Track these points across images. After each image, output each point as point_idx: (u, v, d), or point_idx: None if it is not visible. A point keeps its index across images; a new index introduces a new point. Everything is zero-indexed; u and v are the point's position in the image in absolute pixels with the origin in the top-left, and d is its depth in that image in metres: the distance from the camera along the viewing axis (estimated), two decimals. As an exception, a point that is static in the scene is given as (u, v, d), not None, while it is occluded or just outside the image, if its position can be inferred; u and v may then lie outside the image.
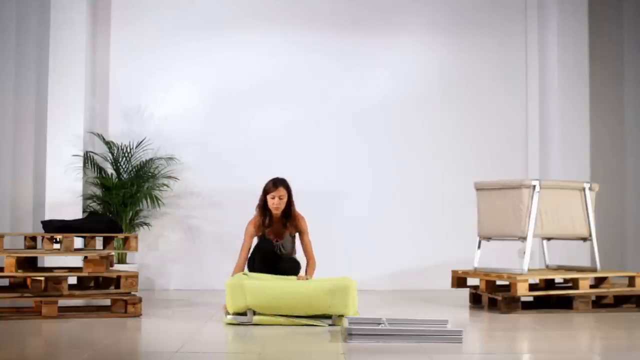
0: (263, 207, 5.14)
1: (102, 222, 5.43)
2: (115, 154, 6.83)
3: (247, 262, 5.11)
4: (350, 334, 3.92)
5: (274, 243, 5.12)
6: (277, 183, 5.11)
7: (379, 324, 4.13)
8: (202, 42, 7.23)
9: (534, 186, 5.38)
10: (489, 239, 5.72)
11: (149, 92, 7.16)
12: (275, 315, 4.54)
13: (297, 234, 5.25)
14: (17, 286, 5.16)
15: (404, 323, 4.22)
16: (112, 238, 5.30)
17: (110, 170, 6.89)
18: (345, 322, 4.17)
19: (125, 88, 7.13)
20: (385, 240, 7.16)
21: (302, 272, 5.12)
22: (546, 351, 3.82)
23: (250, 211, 7.12)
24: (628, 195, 7.55)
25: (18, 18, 6.96)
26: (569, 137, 7.13)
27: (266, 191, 5.13)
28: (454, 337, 3.92)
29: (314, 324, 4.50)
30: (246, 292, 4.52)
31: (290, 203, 5.15)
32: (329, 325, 4.49)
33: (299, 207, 7.11)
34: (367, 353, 3.67)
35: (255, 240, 5.19)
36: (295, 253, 5.28)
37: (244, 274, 4.89)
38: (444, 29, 7.44)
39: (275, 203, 5.09)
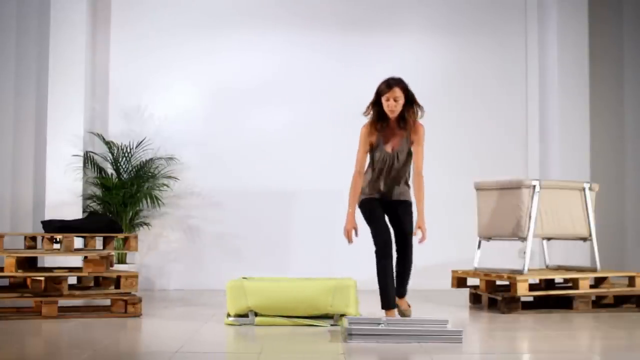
0: (377, 110, 4.55)
1: (102, 222, 5.43)
2: (115, 154, 6.83)
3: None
4: (350, 334, 3.93)
5: (390, 154, 4.57)
6: (392, 83, 4.52)
7: (379, 324, 4.13)
8: (202, 42, 7.23)
9: (534, 186, 5.38)
10: (489, 239, 5.72)
11: (149, 92, 7.16)
12: (276, 316, 4.54)
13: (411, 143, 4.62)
14: (17, 286, 5.17)
15: (404, 323, 4.22)
16: (112, 238, 5.30)
17: (110, 170, 6.89)
18: (345, 322, 4.17)
19: (125, 88, 7.13)
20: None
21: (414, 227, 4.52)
22: (546, 351, 3.82)
23: (250, 211, 7.16)
24: (628, 195, 7.55)
25: (18, 18, 6.95)
26: (569, 137, 7.13)
27: (379, 93, 4.54)
28: (454, 337, 3.92)
29: (316, 324, 4.50)
30: (247, 294, 4.52)
31: (408, 106, 4.52)
32: (331, 325, 4.49)
33: (300, 207, 7.16)
34: (367, 353, 3.67)
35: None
36: (409, 167, 4.65)
37: (244, 277, 4.87)
38: (444, 29, 7.44)
39: (390, 105, 4.48)
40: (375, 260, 4.57)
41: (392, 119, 4.57)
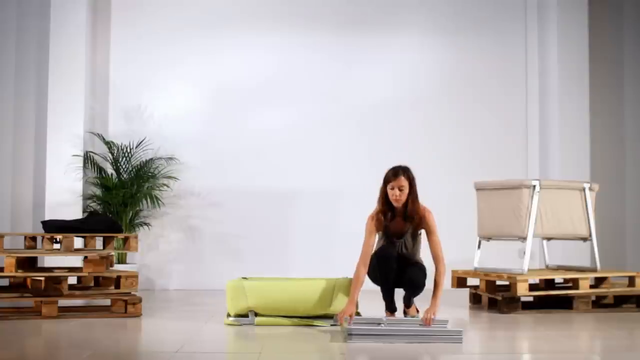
0: (384, 199, 4.51)
1: (102, 222, 5.42)
2: (115, 154, 6.83)
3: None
4: (350, 334, 3.93)
5: (395, 242, 4.54)
6: (398, 171, 4.48)
7: (379, 324, 4.13)
8: (202, 42, 7.23)
9: (534, 186, 5.38)
10: (489, 239, 5.72)
11: (149, 92, 7.16)
12: (276, 316, 4.53)
13: (422, 232, 4.59)
14: (17, 286, 5.17)
15: (404, 323, 4.22)
16: (112, 238, 5.29)
17: (110, 170, 6.89)
18: (345, 323, 4.17)
19: (125, 88, 7.13)
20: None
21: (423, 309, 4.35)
22: (546, 351, 3.82)
23: (250, 211, 7.16)
24: (628, 195, 7.55)
25: (18, 18, 6.96)
26: (569, 137, 7.13)
27: (386, 181, 4.51)
28: (454, 337, 3.92)
29: (316, 324, 4.49)
30: (247, 294, 4.52)
31: (410, 196, 4.47)
32: (331, 325, 4.49)
33: (300, 207, 7.16)
34: (367, 353, 3.67)
35: (376, 239, 4.61)
36: (419, 253, 4.64)
37: (244, 277, 4.86)
38: (445, 29, 7.45)
39: (395, 194, 4.45)
40: (377, 265, 4.54)
41: (398, 209, 4.52)
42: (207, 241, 7.12)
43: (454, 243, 6.97)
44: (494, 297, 5.38)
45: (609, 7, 7.64)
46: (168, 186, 7.01)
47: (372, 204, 7.19)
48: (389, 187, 4.48)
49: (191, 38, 7.22)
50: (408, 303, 4.65)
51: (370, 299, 5.95)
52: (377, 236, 4.63)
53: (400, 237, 4.56)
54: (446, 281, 5.97)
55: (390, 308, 4.65)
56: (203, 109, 7.24)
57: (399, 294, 4.62)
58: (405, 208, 4.48)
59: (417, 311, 4.75)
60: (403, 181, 4.45)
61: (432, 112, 7.37)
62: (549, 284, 5.72)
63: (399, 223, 4.55)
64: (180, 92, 7.24)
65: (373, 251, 4.57)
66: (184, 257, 7.08)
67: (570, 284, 5.55)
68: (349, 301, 4.38)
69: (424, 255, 4.64)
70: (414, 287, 4.52)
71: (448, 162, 7.32)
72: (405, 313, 4.69)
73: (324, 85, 7.31)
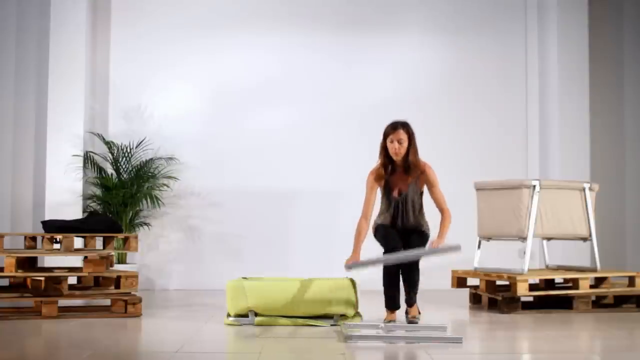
0: (384, 153, 4.61)
1: (102, 222, 5.43)
2: (115, 154, 6.83)
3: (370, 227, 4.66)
4: (349, 340, 3.92)
5: (397, 198, 4.62)
6: (397, 125, 4.57)
7: (378, 329, 4.14)
8: (202, 42, 7.23)
9: (534, 186, 5.38)
10: (489, 239, 5.72)
11: (149, 92, 7.16)
12: (276, 316, 4.53)
13: (425, 188, 4.68)
14: (17, 286, 5.17)
15: (402, 328, 4.22)
16: (112, 238, 5.30)
17: (110, 170, 6.89)
18: (344, 327, 4.18)
19: (125, 88, 7.13)
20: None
21: (432, 237, 4.52)
22: (546, 351, 3.82)
23: (250, 211, 7.16)
24: (628, 195, 7.55)
25: (18, 18, 6.96)
26: (569, 137, 7.13)
27: (385, 135, 4.60)
28: (454, 344, 3.90)
29: (316, 324, 4.50)
30: (247, 294, 4.52)
31: (411, 149, 4.56)
32: (331, 325, 4.49)
33: (300, 207, 7.16)
34: (367, 353, 3.67)
35: (378, 193, 4.70)
36: (422, 208, 4.70)
37: (244, 277, 4.86)
38: (445, 29, 7.45)
39: (395, 148, 4.54)
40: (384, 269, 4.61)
41: (398, 163, 4.62)
42: (207, 241, 7.12)
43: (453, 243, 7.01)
44: (494, 297, 5.38)
45: (609, 7, 7.64)
46: (168, 186, 7.01)
47: (372, 204, 7.21)
48: (388, 140, 4.58)
49: (191, 38, 7.22)
50: (409, 301, 4.65)
51: (370, 299, 5.95)
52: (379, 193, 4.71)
53: (401, 194, 4.63)
54: (445, 281, 6.02)
55: (391, 304, 4.61)
56: (203, 109, 7.24)
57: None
58: (406, 162, 4.57)
59: (419, 312, 4.75)
60: (402, 134, 4.54)
61: (432, 112, 7.37)
62: (549, 284, 5.72)
63: (399, 177, 4.63)
64: (180, 92, 7.24)
65: (379, 215, 4.70)
66: (184, 257, 7.08)
67: (570, 284, 5.55)
68: (353, 251, 4.52)
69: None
70: (413, 285, 4.59)
71: (448, 162, 7.30)
72: (407, 313, 4.68)
73: (324, 85, 7.31)
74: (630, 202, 7.55)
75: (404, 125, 4.59)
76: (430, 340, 3.92)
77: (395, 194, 4.65)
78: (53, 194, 6.66)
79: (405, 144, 4.56)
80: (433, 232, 4.66)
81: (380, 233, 4.68)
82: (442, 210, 4.62)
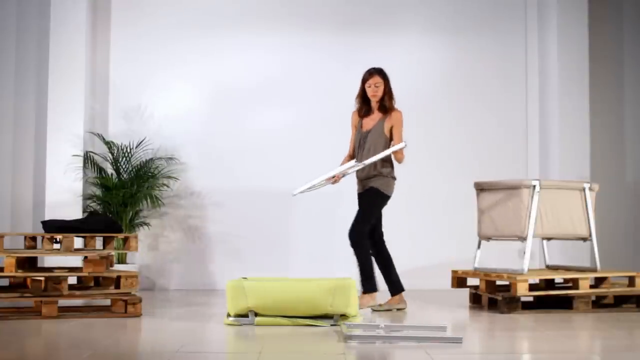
0: (362, 95, 5.31)
1: (102, 222, 5.43)
2: (115, 154, 6.83)
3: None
4: (349, 340, 3.92)
5: (363, 132, 5.28)
6: (373, 71, 5.26)
7: (377, 329, 4.14)
8: (202, 41, 7.23)
9: (534, 186, 5.38)
10: (489, 239, 5.71)
11: (149, 92, 7.16)
12: (276, 316, 4.53)
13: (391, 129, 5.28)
14: (17, 286, 5.17)
15: (402, 328, 4.22)
16: (112, 238, 5.30)
17: (110, 170, 6.89)
18: (343, 328, 4.18)
19: (125, 88, 7.13)
20: (385, 240, 7.14)
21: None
22: (546, 351, 3.82)
23: (250, 211, 7.16)
24: (628, 195, 7.55)
25: (18, 18, 6.96)
26: (569, 137, 7.13)
27: (363, 80, 5.29)
28: (454, 344, 3.90)
29: (316, 324, 4.49)
30: (247, 294, 4.52)
31: (386, 93, 5.26)
32: (331, 325, 4.49)
33: (300, 207, 7.16)
34: (367, 353, 3.67)
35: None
36: (380, 149, 5.25)
37: (244, 277, 4.87)
38: (445, 29, 7.45)
39: (372, 91, 5.23)
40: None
41: (374, 105, 5.29)
42: (207, 241, 7.12)
43: (453, 243, 7.02)
44: (494, 297, 5.38)
45: (609, 6, 7.64)
46: (168, 186, 7.01)
47: (372, 204, 7.21)
48: (366, 85, 5.27)
49: (191, 38, 7.22)
50: (391, 289, 5.31)
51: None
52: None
53: (368, 130, 5.28)
54: (445, 281, 6.01)
55: (371, 286, 5.16)
56: (203, 108, 7.24)
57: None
58: (382, 103, 5.26)
59: (405, 302, 5.21)
60: (378, 79, 5.23)
61: (431, 112, 7.37)
62: (549, 284, 5.72)
63: (372, 119, 5.30)
64: (180, 92, 7.24)
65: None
66: (184, 257, 7.08)
67: (570, 284, 5.55)
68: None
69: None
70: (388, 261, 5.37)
71: (448, 162, 7.33)
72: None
73: (324, 85, 7.31)
74: (630, 202, 7.55)
75: (380, 71, 5.26)
76: (430, 340, 3.92)
77: (363, 129, 5.30)
78: (53, 194, 6.66)
79: (382, 87, 5.24)
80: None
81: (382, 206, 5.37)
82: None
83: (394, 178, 5.36)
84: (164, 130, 7.12)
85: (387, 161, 5.29)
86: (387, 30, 7.38)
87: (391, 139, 5.28)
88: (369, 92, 5.25)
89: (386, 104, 5.24)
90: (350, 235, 5.25)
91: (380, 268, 5.36)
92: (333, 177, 5.22)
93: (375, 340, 3.94)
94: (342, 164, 5.38)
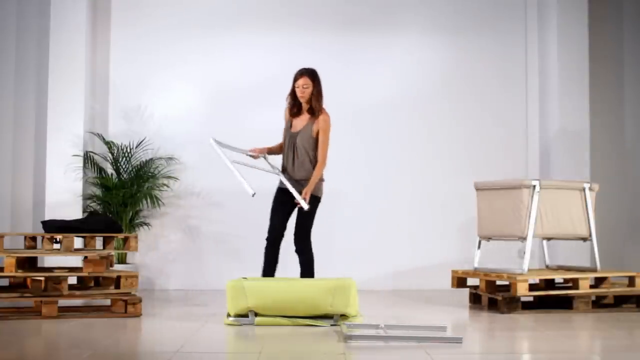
0: (293, 95, 5.27)
1: (102, 222, 5.43)
2: (115, 154, 6.83)
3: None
4: (349, 340, 3.92)
5: (291, 133, 5.24)
6: (303, 72, 5.23)
7: (377, 329, 4.13)
8: (202, 42, 7.23)
9: (534, 186, 5.38)
10: (489, 239, 5.72)
11: (149, 92, 7.16)
12: (276, 316, 4.53)
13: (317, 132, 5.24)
14: (17, 286, 5.17)
15: (402, 328, 4.22)
16: (112, 238, 5.30)
17: (110, 170, 6.89)
18: (344, 328, 4.18)
19: (125, 88, 7.13)
20: (385, 240, 7.16)
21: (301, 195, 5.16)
22: (546, 351, 3.82)
23: (251, 211, 7.14)
24: (628, 195, 7.55)
25: (18, 18, 6.96)
26: (569, 137, 7.13)
27: (294, 80, 5.26)
28: (454, 344, 3.90)
29: (316, 324, 4.49)
30: (247, 294, 4.52)
31: (314, 94, 5.22)
32: (331, 325, 4.49)
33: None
34: (368, 353, 3.67)
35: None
36: (310, 151, 5.26)
37: (244, 278, 4.87)
38: (445, 29, 7.45)
39: (299, 92, 5.20)
40: (265, 246, 5.31)
41: (304, 106, 5.24)
42: (207, 241, 7.12)
43: (453, 243, 7.03)
44: (494, 297, 5.38)
45: (609, 6, 7.63)
46: (168, 186, 7.01)
47: (371, 204, 7.22)
48: (296, 85, 5.23)
49: (191, 38, 7.22)
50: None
51: (370, 299, 5.95)
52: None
53: (297, 132, 5.23)
54: (445, 281, 6.01)
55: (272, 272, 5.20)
56: (203, 109, 7.24)
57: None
58: (310, 105, 5.21)
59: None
60: (306, 80, 5.20)
61: (432, 112, 7.37)
62: (549, 284, 5.72)
63: (302, 120, 5.25)
64: (180, 92, 7.24)
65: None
66: (184, 257, 7.08)
67: (570, 284, 5.55)
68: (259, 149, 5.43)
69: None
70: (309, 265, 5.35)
71: (448, 162, 7.32)
72: None
73: (324, 85, 7.29)
74: (630, 202, 7.55)
75: (310, 72, 5.24)
76: (430, 340, 3.92)
77: (292, 130, 5.26)
78: (53, 194, 6.66)
79: (310, 88, 5.19)
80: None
81: (273, 202, 5.43)
82: (319, 157, 5.21)
83: (324, 180, 5.35)
84: (164, 131, 7.12)
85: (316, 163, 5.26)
86: (387, 30, 7.38)
87: (317, 142, 5.23)
88: (297, 92, 5.21)
89: (314, 107, 5.20)
90: (298, 241, 5.29)
91: (274, 272, 5.29)
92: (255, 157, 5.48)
93: (375, 340, 3.94)
94: (270, 151, 5.48)
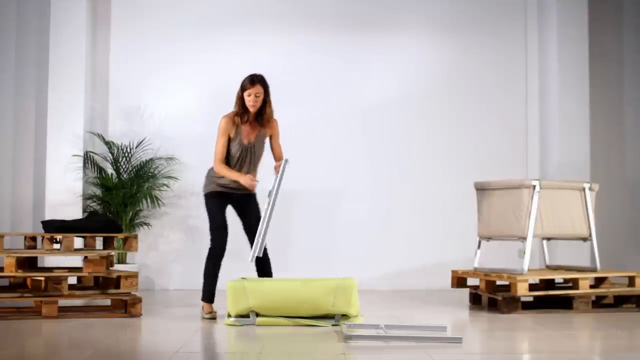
0: (241, 103, 4.93)
1: (102, 222, 5.43)
2: (115, 154, 6.83)
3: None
4: (349, 340, 3.92)
5: (246, 145, 4.95)
6: (255, 80, 4.90)
7: (377, 329, 4.13)
8: (202, 41, 7.22)
9: (534, 186, 5.38)
10: (489, 239, 5.72)
11: (149, 92, 7.16)
12: (277, 316, 4.53)
13: (268, 138, 5.09)
14: (17, 286, 5.17)
15: (402, 328, 4.22)
16: (112, 238, 5.30)
17: (110, 170, 6.89)
18: (344, 328, 4.18)
19: (125, 88, 7.13)
20: (386, 240, 7.16)
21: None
22: (546, 351, 3.82)
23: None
24: (628, 195, 7.55)
25: (18, 18, 6.96)
26: (569, 137, 7.13)
27: (243, 88, 4.92)
28: (454, 344, 3.90)
29: (317, 324, 4.49)
30: (248, 294, 4.52)
31: (266, 102, 4.93)
32: (332, 325, 4.49)
33: (300, 207, 7.16)
34: (368, 353, 3.67)
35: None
36: (261, 156, 5.12)
37: (243, 278, 4.86)
38: (445, 29, 7.44)
39: (251, 101, 4.86)
40: (207, 256, 5.08)
41: (252, 114, 4.94)
42: (207, 241, 7.08)
43: (453, 243, 7.02)
44: (494, 297, 5.38)
45: (609, 6, 7.63)
46: (168, 186, 7.01)
47: (372, 204, 7.22)
48: (245, 94, 4.90)
49: (191, 38, 7.22)
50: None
51: (370, 299, 5.95)
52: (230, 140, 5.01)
53: (250, 143, 4.97)
54: (445, 281, 6.01)
55: (211, 297, 4.95)
56: (203, 108, 7.23)
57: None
58: (260, 114, 4.93)
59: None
60: (259, 88, 4.89)
61: (432, 112, 7.37)
62: (549, 284, 5.72)
63: (250, 127, 4.96)
64: (180, 92, 7.23)
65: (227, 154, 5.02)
66: (184, 257, 7.08)
67: (570, 284, 5.55)
68: (236, 177, 4.93)
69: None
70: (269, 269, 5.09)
71: (448, 162, 7.32)
72: None
73: (325, 84, 7.31)
74: (630, 202, 7.55)
75: (261, 80, 4.93)
76: (430, 340, 3.92)
77: (245, 141, 4.96)
78: (53, 194, 6.66)
79: (262, 97, 4.90)
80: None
81: (210, 207, 5.14)
82: (278, 158, 5.12)
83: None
84: (164, 131, 7.12)
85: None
86: (388, 29, 7.38)
87: (271, 147, 5.09)
88: (249, 101, 4.85)
89: (265, 115, 4.93)
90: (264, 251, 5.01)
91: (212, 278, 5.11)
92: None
93: (375, 340, 3.94)
94: (223, 168, 4.97)
